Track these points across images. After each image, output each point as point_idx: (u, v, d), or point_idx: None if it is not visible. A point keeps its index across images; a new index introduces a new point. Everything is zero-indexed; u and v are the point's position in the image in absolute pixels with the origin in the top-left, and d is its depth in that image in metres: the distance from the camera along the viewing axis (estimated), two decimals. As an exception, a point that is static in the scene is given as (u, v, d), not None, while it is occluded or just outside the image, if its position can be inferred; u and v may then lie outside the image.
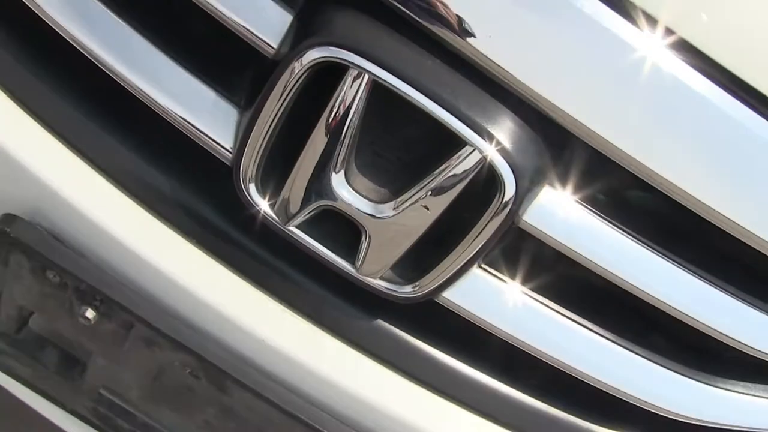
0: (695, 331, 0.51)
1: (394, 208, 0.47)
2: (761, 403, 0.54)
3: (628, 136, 0.45)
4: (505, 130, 0.45)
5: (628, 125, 0.45)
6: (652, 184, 0.46)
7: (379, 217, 0.48)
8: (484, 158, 0.45)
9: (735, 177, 0.44)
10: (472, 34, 0.44)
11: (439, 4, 0.43)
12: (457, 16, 0.43)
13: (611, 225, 0.48)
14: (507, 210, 0.46)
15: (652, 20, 0.41)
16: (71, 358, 0.65)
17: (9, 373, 0.68)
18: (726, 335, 0.50)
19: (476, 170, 0.45)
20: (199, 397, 0.58)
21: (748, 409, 0.54)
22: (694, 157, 0.45)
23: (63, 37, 0.49)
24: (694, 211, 0.46)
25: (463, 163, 0.45)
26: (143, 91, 0.50)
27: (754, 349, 0.50)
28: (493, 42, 0.44)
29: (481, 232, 0.47)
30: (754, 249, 0.47)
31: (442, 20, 0.43)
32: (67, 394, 0.66)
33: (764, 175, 0.44)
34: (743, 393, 0.54)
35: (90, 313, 0.53)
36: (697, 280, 0.49)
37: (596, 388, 0.52)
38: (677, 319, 0.50)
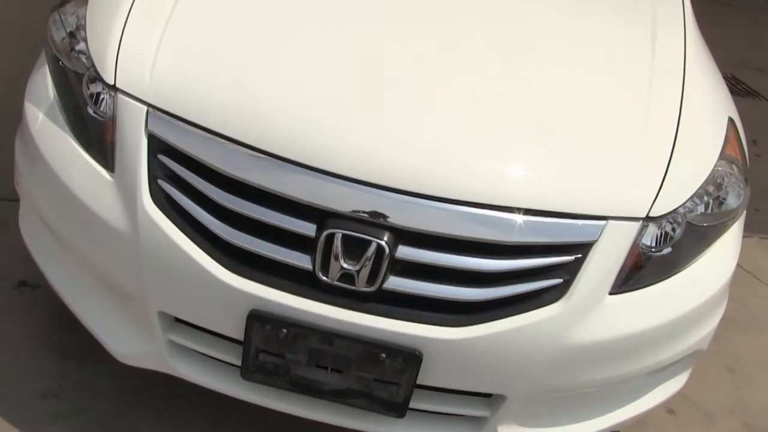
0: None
1: (359, 266, 1.76)
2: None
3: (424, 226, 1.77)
4: (384, 236, 1.76)
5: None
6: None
7: (357, 270, 1.77)
8: (378, 245, 1.75)
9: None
10: (385, 217, 1.77)
11: (373, 214, 1.77)
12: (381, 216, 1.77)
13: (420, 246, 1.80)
14: (388, 254, 1.76)
15: None
16: (275, 365, 1.90)
17: (252, 379, 1.94)
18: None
19: (377, 249, 1.76)
20: (324, 352, 1.84)
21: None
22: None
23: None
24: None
25: (372, 246, 1.75)
26: (288, 262, 1.81)
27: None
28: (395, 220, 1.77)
29: (385, 261, 1.76)
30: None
31: (377, 220, 1.77)
32: (275, 379, 1.92)
33: None
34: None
35: (284, 331, 1.81)
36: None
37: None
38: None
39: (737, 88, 6.05)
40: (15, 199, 2.87)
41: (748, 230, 4.02)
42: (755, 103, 5.93)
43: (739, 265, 3.70)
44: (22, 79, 3.68)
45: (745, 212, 2.34)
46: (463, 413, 2.00)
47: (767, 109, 5.87)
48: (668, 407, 2.79)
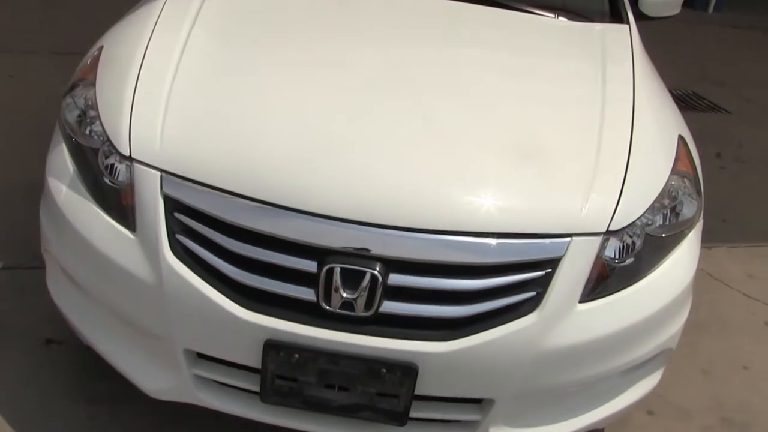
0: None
1: (357, 294, 2.08)
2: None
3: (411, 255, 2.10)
4: (376, 267, 2.07)
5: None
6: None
7: (355, 298, 2.08)
8: (372, 274, 2.07)
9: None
10: (368, 251, 2.09)
11: (363, 249, 2.09)
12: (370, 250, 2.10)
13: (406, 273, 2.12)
14: (381, 282, 2.08)
15: None
16: (290, 388, 2.19)
17: (270, 402, 2.23)
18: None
19: (371, 279, 2.08)
20: (332, 372, 2.13)
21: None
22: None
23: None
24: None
25: (367, 276, 2.07)
26: (295, 296, 2.12)
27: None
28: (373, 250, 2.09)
29: (379, 288, 2.08)
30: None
31: (369, 253, 2.10)
32: (291, 400, 2.20)
33: None
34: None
35: (295, 356, 2.10)
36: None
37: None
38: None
39: (699, 103, 6.43)
40: (33, 267, 3.21)
41: (717, 240, 4.40)
42: (717, 116, 6.31)
43: (708, 273, 4.08)
44: (16, 159, 4.03)
45: (701, 221, 2.64)
46: (457, 418, 2.31)
47: (729, 121, 6.25)
48: (648, 409, 3.09)
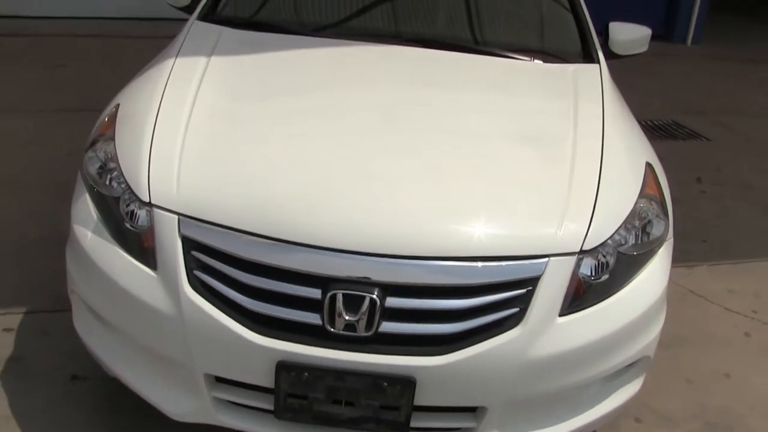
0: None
1: (358, 317, 2.31)
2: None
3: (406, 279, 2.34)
4: (375, 292, 2.32)
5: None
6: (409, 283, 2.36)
7: (357, 320, 2.32)
8: (371, 298, 2.31)
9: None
10: (369, 279, 2.34)
11: (362, 277, 2.34)
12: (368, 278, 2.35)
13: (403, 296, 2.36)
14: (380, 305, 2.32)
15: None
16: (301, 405, 2.41)
17: (284, 419, 2.45)
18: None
19: (370, 302, 2.32)
20: (338, 388, 2.35)
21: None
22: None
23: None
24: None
25: (367, 300, 2.31)
26: (302, 321, 2.36)
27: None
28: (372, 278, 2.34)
29: (378, 311, 2.32)
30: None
31: (367, 280, 2.35)
32: (302, 416, 2.42)
33: None
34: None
35: (305, 374, 2.33)
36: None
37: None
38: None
39: (679, 132, 6.68)
40: (53, 311, 3.44)
41: (698, 259, 4.66)
42: (697, 144, 6.56)
43: (690, 291, 4.32)
44: (30, 211, 4.30)
45: (671, 239, 2.88)
46: (454, 426, 2.53)
47: (708, 148, 6.50)
48: (635, 416, 3.30)
